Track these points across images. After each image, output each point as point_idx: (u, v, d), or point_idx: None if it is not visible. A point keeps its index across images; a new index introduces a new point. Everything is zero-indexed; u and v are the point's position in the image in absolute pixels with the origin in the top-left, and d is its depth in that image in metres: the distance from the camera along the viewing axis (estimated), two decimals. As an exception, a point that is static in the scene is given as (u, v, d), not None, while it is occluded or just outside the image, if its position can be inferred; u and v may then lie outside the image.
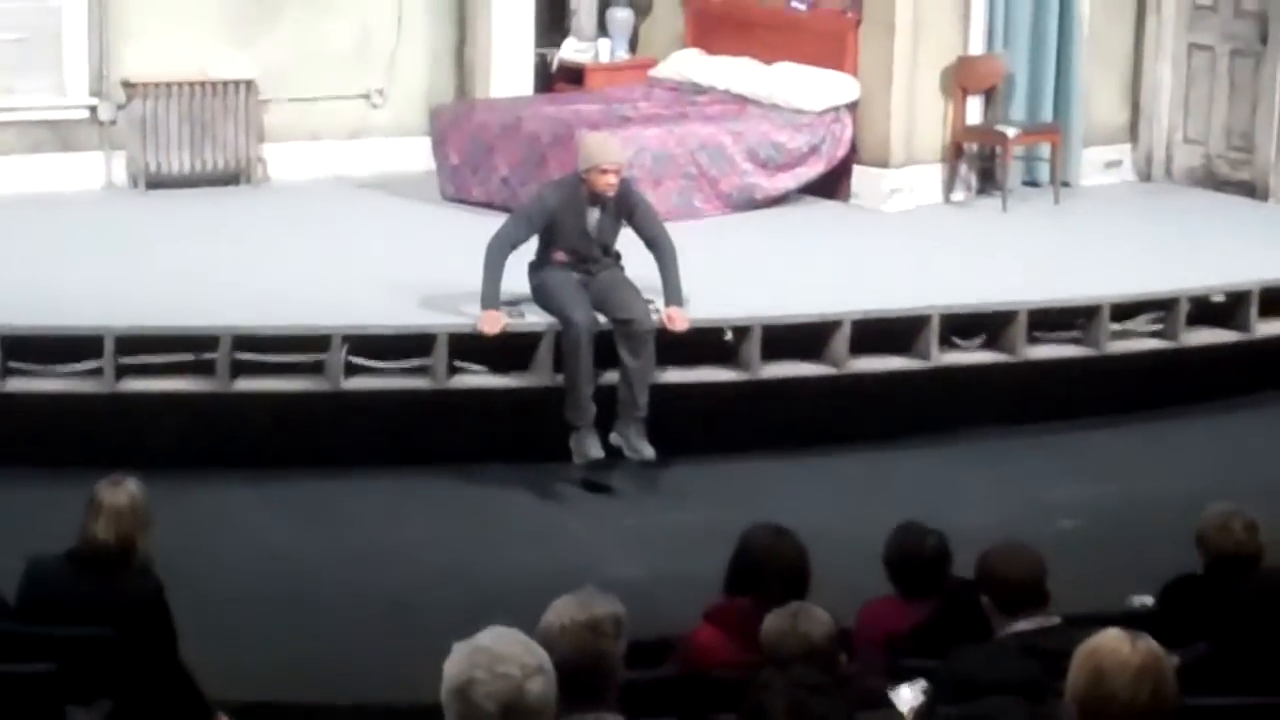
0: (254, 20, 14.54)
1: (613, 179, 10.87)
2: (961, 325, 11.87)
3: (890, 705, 5.97)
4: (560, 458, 10.91)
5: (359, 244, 12.94)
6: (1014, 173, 14.59)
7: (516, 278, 11.06)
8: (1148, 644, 4.68)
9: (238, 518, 10.33)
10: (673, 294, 11.04)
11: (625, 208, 11.04)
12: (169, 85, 14.18)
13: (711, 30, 15.32)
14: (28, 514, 9.03)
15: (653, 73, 15.27)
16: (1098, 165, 15.24)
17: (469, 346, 11.08)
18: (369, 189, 14.38)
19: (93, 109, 14.16)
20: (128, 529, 7.14)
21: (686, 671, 6.64)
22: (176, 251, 12.61)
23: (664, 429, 10.95)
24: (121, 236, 12.96)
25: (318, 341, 11.00)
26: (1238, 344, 12.43)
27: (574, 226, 10.99)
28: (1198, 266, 12.82)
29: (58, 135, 14.13)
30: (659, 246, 11.06)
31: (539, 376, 11.12)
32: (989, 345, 11.92)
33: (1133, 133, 15.47)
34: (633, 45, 15.82)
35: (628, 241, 11.16)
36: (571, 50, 15.79)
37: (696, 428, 11.17)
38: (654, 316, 10.99)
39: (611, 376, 10.94)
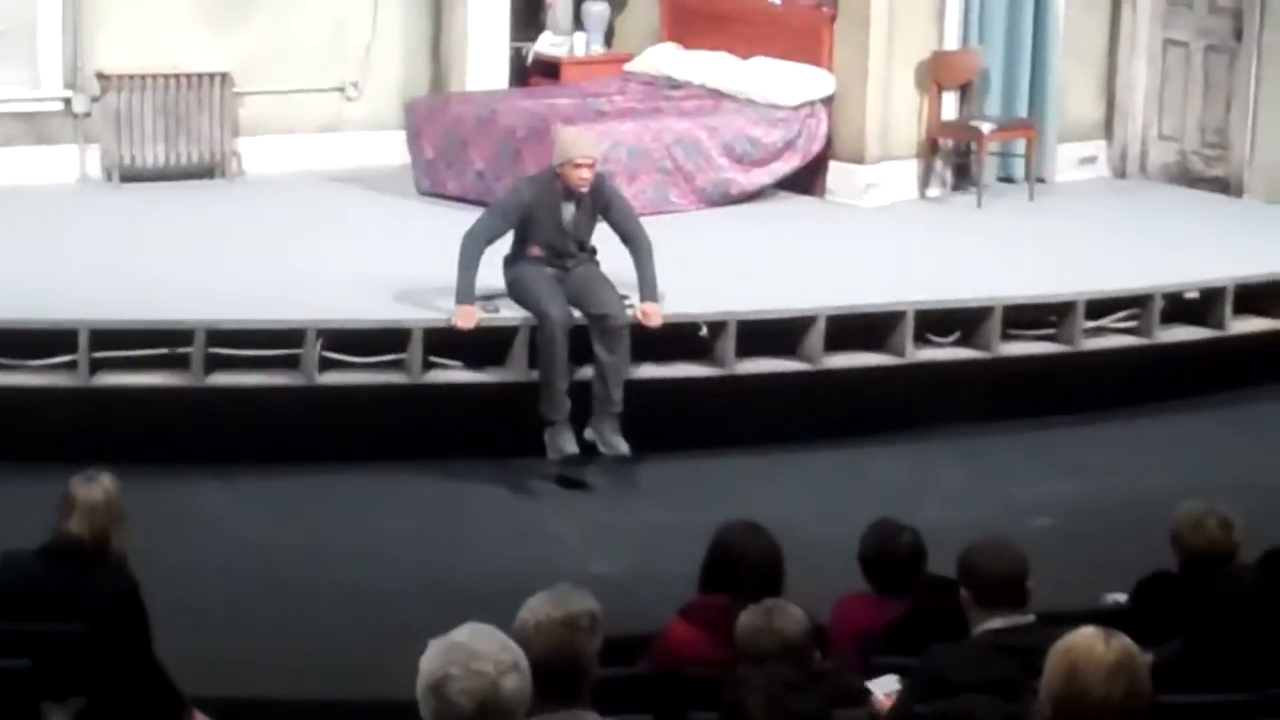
0: (229, 13, 14.53)
1: (587, 173, 10.88)
2: (936, 322, 11.89)
3: (865, 703, 5.99)
4: (535, 453, 10.92)
5: (333, 238, 12.94)
6: (989, 169, 14.61)
7: (492, 272, 11.07)
8: (1122, 641, 4.69)
9: (212, 513, 10.33)
10: (648, 289, 11.05)
11: (601, 202, 11.05)
12: (143, 78, 14.16)
13: (687, 24, 15.33)
14: (0, 509, 9.02)
15: (628, 67, 15.27)
16: (1072, 161, 15.26)
17: (444, 341, 11.09)
18: (344, 183, 14.36)
19: (67, 101, 14.14)
20: (102, 524, 7.14)
21: (661, 669, 6.65)
22: (151, 245, 12.60)
23: (639, 425, 10.95)
24: (95, 230, 12.95)
25: (292, 336, 11.00)
26: (1212, 341, 12.46)
27: (549, 221, 10.99)
28: (1172, 263, 12.85)
29: (31, 128, 14.11)
30: (634, 242, 11.07)
31: (514, 372, 11.13)
32: (964, 342, 11.95)
33: (1108, 129, 15.50)
34: (608, 39, 15.83)
35: (603, 236, 11.17)
36: (547, 44, 15.79)
37: (671, 424, 11.18)
38: (629, 312, 11.01)
39: (586, 372, 10.95)
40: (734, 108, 14.27)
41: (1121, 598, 7.49)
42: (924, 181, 14.52)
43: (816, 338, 11.54)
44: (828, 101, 14.34)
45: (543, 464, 10.95)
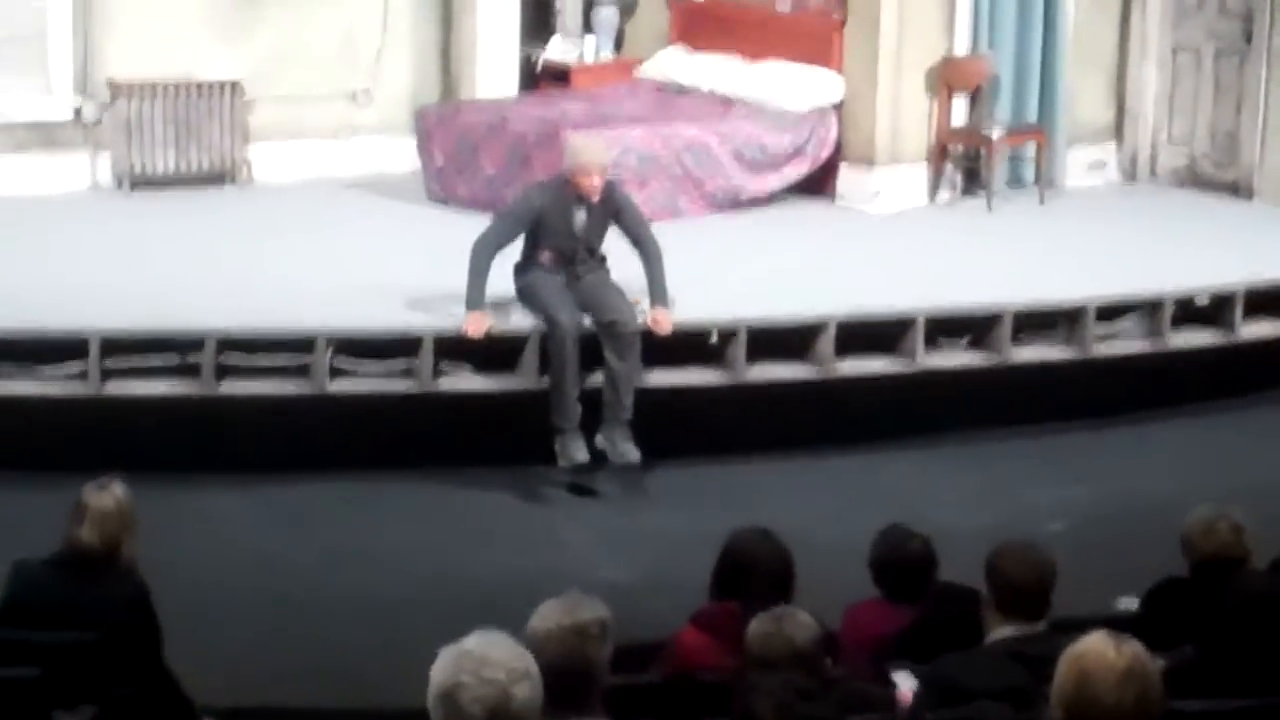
0: (239, 20, 14.56)
1: (597, 180, 10.88)
2: (947, 327, 11.89)
3: (873, 708, 5.99)
4: (546, 460, 10.92)
5: (344, 245, 12.95)
6: (999, 173, 14.62)
7: (503, 279, 11.07)
8: (1133, 647, 4.70)
9: (223, 521, 10.34)
10: (658, 296, 11.06)
11: (611, 208, 11.06)
12: (154, 85, 14.20)
13: (696, 29, 15.35)
14: (12, 518, 9.03)
15: (638, 72, 15.30)
16: (1083, 166, 15.27)
17: (454, 348, 11.09)
18: (354, 189, 14.39)
19: (78, 109, 14.18)
20: (113, 532, 7.15)
21: (672, 675, 6.65)
22: (162, 253, 12.62)
23: (649, 431, 10.96)
24: (106, 237, 12.97)
25: (303, 344, 11.01)
26: (1223, 345, 12.46)
27: (560, 227, 11.00)
28: (1182, 268, 12.84)
29: (42, 135, 14.15)
30: (644, 248, 11.08)
31: (524, 379, 11.13)
32: (974, 347, 11.95)
33: (1117, 133, 15.51)
34: (618, 44, 15.85)
35: (613, 243, 11.17)
36: (557, 50, 15.82)
37: (682, 430, 11.18)
38: (639, 318, 11.01)
39: (597, 379, 10.96)
40: (743, 113, 14.29)
41: (1133, 603, 7.49)
42: (934, 186, 14.53)
43: (827, 343, 11.54)
44: (837, 106, 14.36)
45: (553, 471, 10.96)
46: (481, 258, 10.92)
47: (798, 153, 14.26)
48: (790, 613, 6.00)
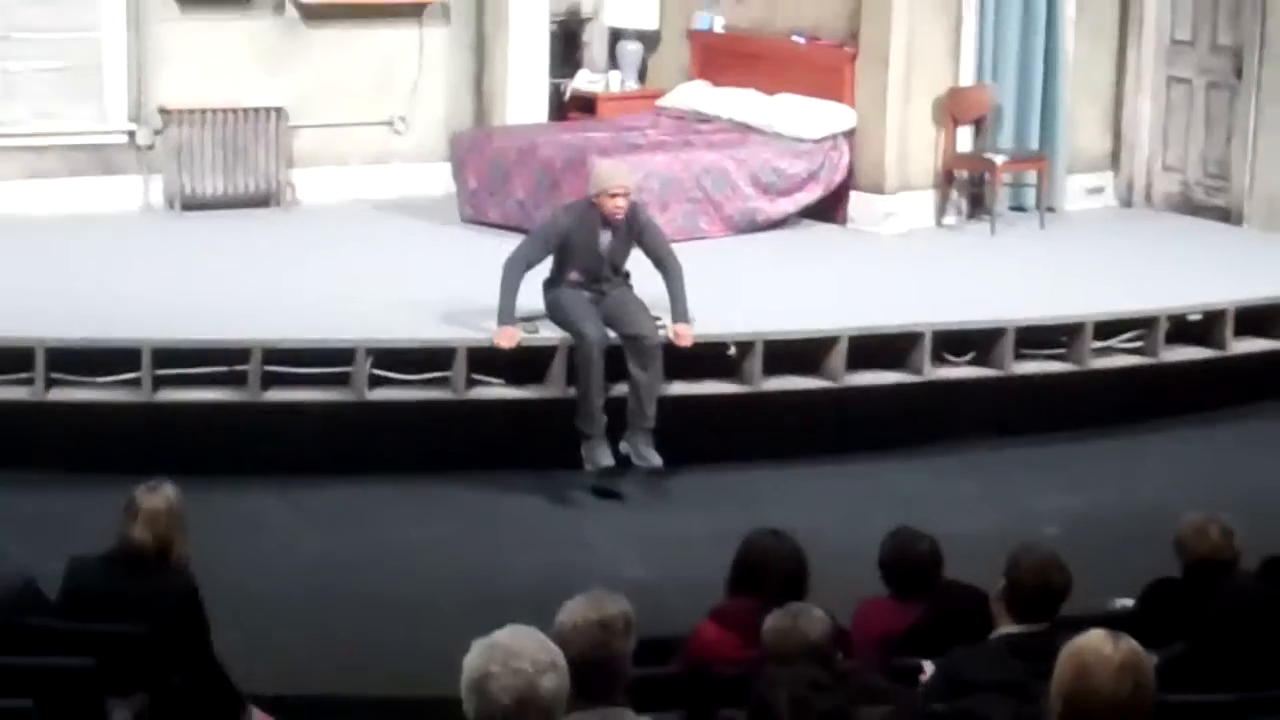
0: (283, 51, 14.58)
1: (621, 202, 10.89)
2: (952, 342, 11.88)
3: (882, 700, 5.97)
4: (573, 465, 10.92)
5: (383, 263, 12.96)
6: (1002, 198, 14.59)
7: (532, 295, 11.08)
8: (1129, 643, 4.69)
9: (268, 521, 10.35)
10: (679, 311, 11.06)
11: (635, 229, 11.06)
12: (203, 112, 14.22)
13: (716, 62, 15.35)
14: (69, 517, 9.04)
15: (660, 102, 15.29)
16: (1081, 191, 15.24)
17: (487, 360, 11.10)
18: (392, 211, 14.40)
19: (131, 134, 14.20)
20: (164, 531, 7.16)
21: (692, 668, 6.64)
22: (210, 269, 12.64)
23: (671, 438, 10.95)
24: (158, 255, 12.99)
25: (344, 355, 11.03)
26: (1214, 361, 12.44)
27: (586, 247, 11.01)
28: (1176, 287, 12.82)
29: (98, 159, 14.17)
30: (666, 266, 11.08)
31: (553, 388, 11.13)
32: (978, 361, 11.94)
33: (1114, 161, 15.48)
34: (641, 76, 15.85)
35: (637, 261, 11.17)
36: (584, 81, 15.83)
37: (701, 437, 11.18)
38: (661, 332, 11.01)
39: (621, 389, 10.95)
40: (760, 140, 14.29)
41: (1128, 602, 7.46)
42: (940, 210, 14.52)
43: (839, 357, 11.53)
44: (849, 134, 14.35)
45: (579, 475, 10.95)
46: (512, 275, 10.93)
47: (812, 178, 14.25)
48: (804, 609, 5.99)
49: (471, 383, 11.11)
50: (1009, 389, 11.93)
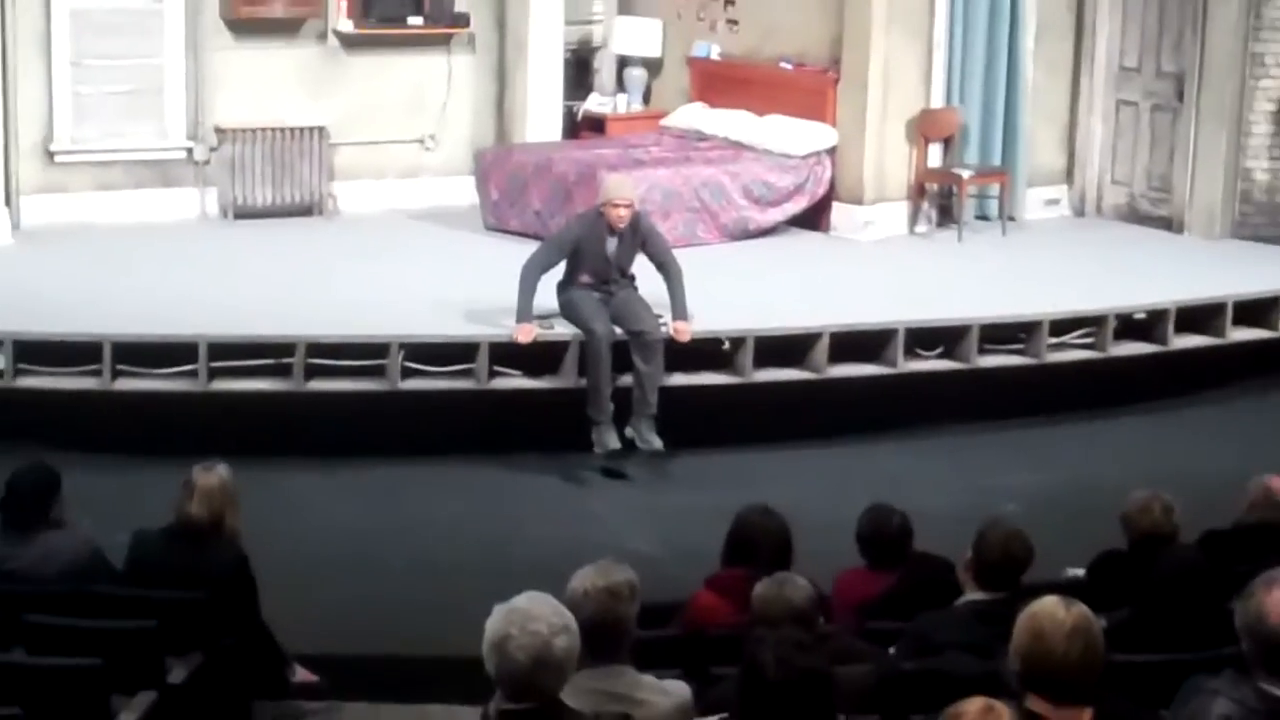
0: (326, 76, 14.59)
1: (623, 212, 10.89)
2: (923, 338, 11.87)
3: (859, 659, 5.97)
4: (583, 448, 10.92)
5: (414, 266, 12.95)
6: (968, 209, 14.58)
7: (547, 296, 11.08)
8: (1080, 609, 4.69)
9: (310, 497, 10.35)
10: (679, 310, 11.06)
11: (639, 236, 11.06)
12: (254, 131, 14.22)
13: (712, 86, 15.34)
14: (133, 494, 9.03)
15: (663, 122, 15.28)
16: (1039, 203, 15.23)
17: (507, 353, 11.10)
18: (422, 220, 14.40)
19: (189, 151, 14.20)
20: (218, 507, 7.17)
21: (690, 630, 6.63)
22: (259, 272, 12.65)
23: (671, 424, 10.96)
24: (213, 260, 12.99)
25: (379, 349, 11.03)
26: (1158, 355, 12.43)
27: (595, 252, 11.00)
28: (1123, 289, 12.80)
29: (159, 173, 14.18)
30: (668, 270, 11.08)
31: (565, 379, 11.13)
32: (946, 355, 11.93)
33: (1069, 175, 15.47)
34: (646, 99, 15.84)
35: (641, 265, 11.17)
36: (594, 103, 15.82)
37: (699, 423, 11.16)
38: (663, 329, 11.01)
39: (627, 380, 10.95)
40: (752, 157, 14.27)
41: (1079, 572, 7.46)
42: (913, 219, 14.50)
43: (821, 351, 11.53)
44: (831, 151, 14.33)
45: (589, 457, 10.95)
46: (529, 278, 10.94)
47: (798, 190, 14.24)
48: (789, 578, 5.98)
49: (493, 374, 11.11)
50: (974, 380, 11.92)
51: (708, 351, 11.37)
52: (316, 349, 10.97)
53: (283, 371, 10.95)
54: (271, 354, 10.98)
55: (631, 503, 10.70)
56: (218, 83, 14.21)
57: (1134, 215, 15.11)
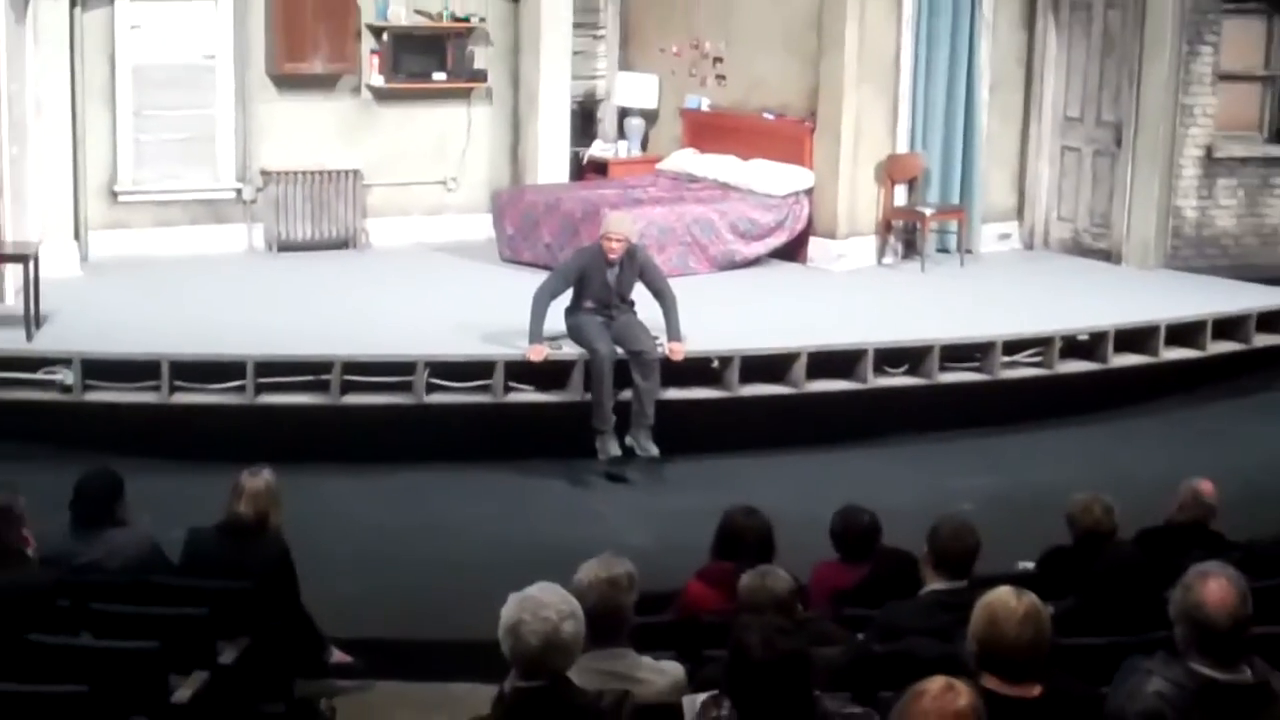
0: (360, 125, 14.61)
1: (615, 244, 10.91)
2: (890, 357, 11.86)
3: (834, 642, 5.96)
4: (588, 455, 10.92)
5: (437, 294, 12.96)
6: (930, 242, 14.58)
7: (556, 320, 11.08)
8: (1030, 598, 4.69)
9: (345, 499, 10.34)
10: (673, 332, 11.06)
11: (638, 267, 11.07)
12: (295, 173, 14.24)
13: (702, 134, 15.36)
14: (187, 496, 9.02)
15: (659, 166, 15.30)
16: (993, 237, 15.24)
17: (520, 371, 11.09)
18: (445, 252, 14.41)
19: (238, 191, 14.21)
20: (263, 507, 7.17)
21: (683, 617, 6.63)
22: (300, 299, 12.65)
23: (666, 434, 10.95)
24: (258, 288, 13.00)
25: (406, 366, 11.03)
26: (1098, 372, 12.43)
27: (598, 281, 11.01)
28: (1068, 313, 12.80)
29: (212, 211, 14.19)
30: (663, 296, 11.08)
31: (572, 394, 11.13)
32: (911, 372, 11.92)
33: (1019, 213, 15.48)
34: (644, 145, 15.87)
35: (639, 292, 11.17)
36: (598, 149, 15.85)
37: (691, 433, 11.15)
38: (659, 349, 11.01)
39: (627, 394, 10.94)
40: (738, 196, 14.29)
41: (1029, 565, 7.46)
42: (881, 252, 14.51)
43: (800, 369, 11.53)
44: (809, 192, 14.35)
45: (594, 463, 10.94)
46: (540, 304, 10.94)
47: (779, 226, 14.25)
48: (771, 570, 5.98)
49: (508, 389, 11.10)
50: (935, 394, 11.92)
51: (699, 369, 11.37)
52: (351, 367, 10.97)
53: (321, 387, 10.95)
54: (311, 371, 10.97)
55: (631, 503, 10.68)
56: (263, 131, 14.23)
57: (1077, 248, 15.12)
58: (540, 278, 11.39)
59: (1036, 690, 4.64)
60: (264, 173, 14.20)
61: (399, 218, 14.76)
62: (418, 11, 14.62)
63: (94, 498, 7.13)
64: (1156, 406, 12.59)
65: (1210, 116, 14.91)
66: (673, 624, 6.57)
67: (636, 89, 15.76)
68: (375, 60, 14.52)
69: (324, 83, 14.40)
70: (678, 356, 11.05)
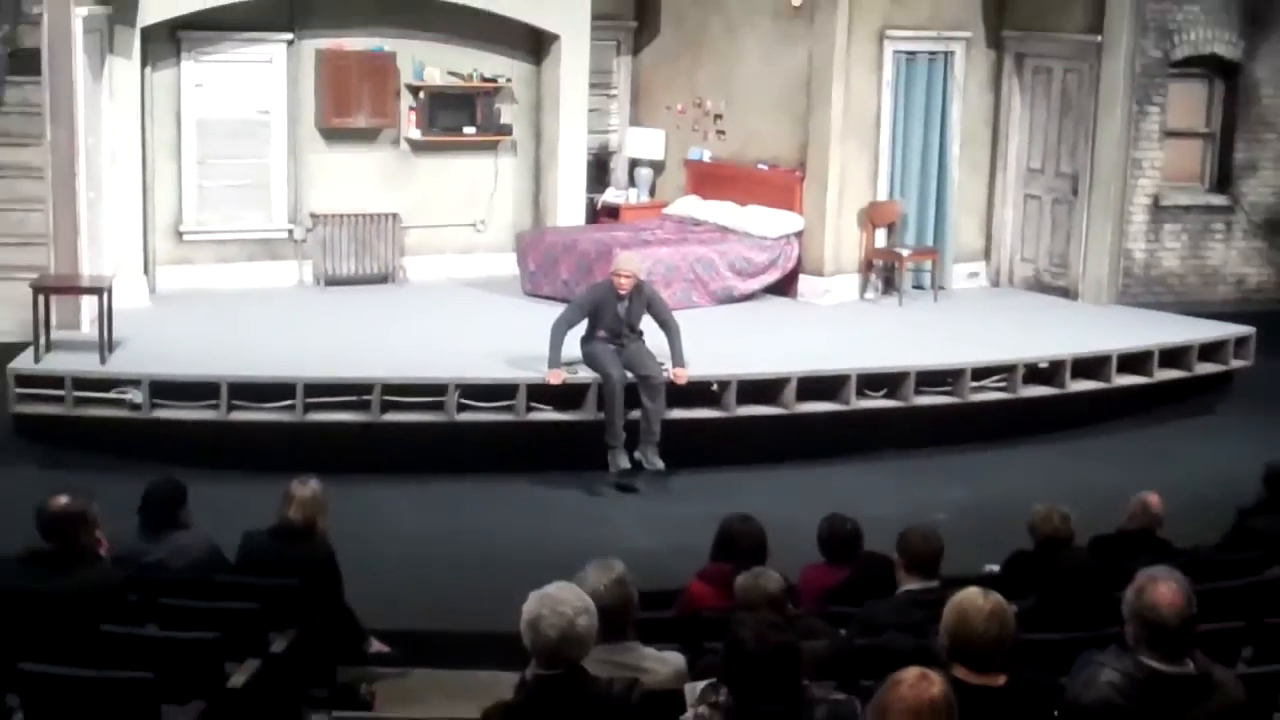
0: (398, 173, 14.62)
1: (624, 280, 10.94)
2: (871, 381, 11.87)
3: (820, 636, 5.94)
4: (601, 468, 10.92)
5: (467, 324, 12.95)
6: (907, 280, 14.57)
7: (572, 347, 11.07)
8: (996, 597, 4.68)
9: (384, 506, 10.34)
10: (678, 359, 11.06)
11: (645, 300, 11.08)
12: (341, 216, 14.25)
13: (704, 183, 15.37)
14: (243, 502, 9.02)
15: (665, 211, 15.30)
16: (963, 275, 15.23)
17: (540, 393, 11.10)
18: (474, 287, 14.41)
19: (290, 232, 14.23)
20: (311, 512, 7.16)
21: (685, 613, 6.62)
22: (344, 328, 12.65)
23: (671, 449, 10.95)
24: (307, 318, 13.00)
25: (439, 388, 11.04)
26: (1057, 396, 12.42)
27: (610, 313, 11.01)
28: (1030, 343, 12.79)
29: (266, 249, 14.20)
30: (669, 327, 11.08)
31: (587, 413, 11.13)
32: (889, 395, 11.92)
33: (987, 254, 15.47)
34: (652, 192, 15.87)
35: (647, 323, 11.17)
36: (611, 195, 15.85)
37: (693, 449, 11.16)
38: (665, 374, 11.01)
39: (636, 414, 10.94)
40: (736, 238, 14.29)
41: (995, 568, 7.45)
42: (863, 288, 14.51)
43: (790, 392, 11.53)
44: (799, 234, 14.35)
45: (605, 475, 10.94)
46: (558, 333, 10.94)
47: (772, 265, 14.25)
48: (764, 571, 5.97)
49: (530, 409, 11.11)
50: (911, 415, 11.91)
51: (700, 392, 11.37)
52: (389, 388, 10.98)
53: (363, 406, 10.95)
54: (354, 392, 10.98)
55: (639, 511, 10.68)
56: (313, 178, 14.25)
57: (1038, 285, 15.12)
58: (559, 310, 11.39)
59: (1001, 680, 4.63)
60: (313, 215, 14.22)
61: (433, 256, 14.77)
62: (450, 73, 14.65)
63: (160, 504, 7.13)
64: (1109, 427, 12.57)
65: (1157, 169, 14.93)
66: (675, 619, 6.56)
67: (645, 142, 15.78)
68: (413, 116, 14.55)
69: (367, 136, 14.43)
70: (681, 380, 11.05)
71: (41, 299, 11.13)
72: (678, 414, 11.20)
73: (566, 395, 11.13)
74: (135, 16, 12.90)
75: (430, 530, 10.07)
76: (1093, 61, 14.45)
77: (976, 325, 13.57)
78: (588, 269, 13.32)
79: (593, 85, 15.19)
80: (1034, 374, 12.39)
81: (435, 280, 14.58)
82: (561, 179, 14.88)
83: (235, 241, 14.06)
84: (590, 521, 10.34)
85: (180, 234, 13.87)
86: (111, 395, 10.80)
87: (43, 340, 11.10)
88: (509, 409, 11.09)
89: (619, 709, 4.60)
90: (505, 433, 11.10)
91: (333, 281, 14.21)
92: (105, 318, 11.24)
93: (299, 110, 14.08)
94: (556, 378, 10.94)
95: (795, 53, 14.36)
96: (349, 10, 14.09)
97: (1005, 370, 12.25)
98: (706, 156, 15.45)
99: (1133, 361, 12.78)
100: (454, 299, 13.99)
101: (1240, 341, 13.35)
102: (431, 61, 14.52)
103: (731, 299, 14.00)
